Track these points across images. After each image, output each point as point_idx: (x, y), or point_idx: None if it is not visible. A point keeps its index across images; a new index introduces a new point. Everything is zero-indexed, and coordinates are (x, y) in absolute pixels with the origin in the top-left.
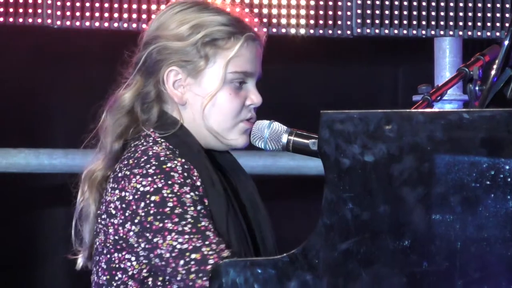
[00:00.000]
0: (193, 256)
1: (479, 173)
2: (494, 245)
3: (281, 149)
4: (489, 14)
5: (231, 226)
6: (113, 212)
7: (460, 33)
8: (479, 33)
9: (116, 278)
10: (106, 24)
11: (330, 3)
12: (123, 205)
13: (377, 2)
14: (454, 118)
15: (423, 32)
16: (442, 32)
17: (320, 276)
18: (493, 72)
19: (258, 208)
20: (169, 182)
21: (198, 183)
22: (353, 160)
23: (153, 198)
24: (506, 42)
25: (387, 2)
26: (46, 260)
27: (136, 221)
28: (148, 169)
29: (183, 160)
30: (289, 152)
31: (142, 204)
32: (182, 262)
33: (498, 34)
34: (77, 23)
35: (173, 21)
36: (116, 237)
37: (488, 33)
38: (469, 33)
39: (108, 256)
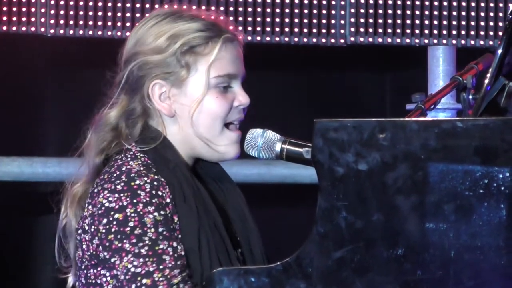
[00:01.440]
0: (144, 281)
1: (473, 181)
2: (487, 254)
3: (274, 158)
4: (482, 23)
5: (203, 242)
6: (86, 227)
7: (454, 41)
8: (472, 42)
9: None
10: (99, 33)
11: (324, 11)
12: (92, 220)
13: (371, 11)
14: (448, 126)
15: (417, 41)
16: (435, 41)
17: (314, 285)
18: (486, 81)
19: (245, 219)
20: (134, 200)
21: (168, 200)
22: (346, 169)
23: (116, 215)
24: (499, 51)
25: (380, 11)
26: (38, 268)
27: (97, 237)
28: (116, 185)
29: (156, 177)
30: (283, 161)
31: (105, 220)
32: (133, 286)
33: (491, 43)
34: (71, 32)
35: (149, 35)
36: (89, 253)
37: (482, 42)
38: (463, 41)
39: (85, 271)
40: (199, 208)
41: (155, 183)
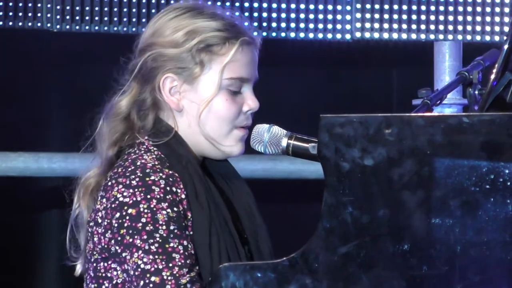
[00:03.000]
0: (152, 278)
1: (479, 177)
2: (493, 249)
3: (280, 153)
4: (488, 19)
5: (214, 239)
6: (99, 221)
7: (460, 37)
8: (478, 37)
9: (103, 287)
10: (105, 28)
11: (330, 7)
12: (105, 214)
13: (377, 7)
14: (454, 122)
15: (423, 36)
16: (441, 37)
17: (320, 280)
18: (492, 76)
19: (253, 216)
20: (148, 196)
21: (183, 196)
22: (352, 164)
23: (130, 210)
24: (506, 46)
25: (386, 7)
26: (43, 262)
27: (110, 230)
28: (131, 180)
29: (170, 172)
30: (289, 156)
31: (118, 214)
32: (142, 282)
33: (497, 38)
34: (77, 27)
35: (167, 27)
36: (100, 246)
37: (488, 38)
38: (469, 37)
39: (95, 264)
40: (211, 205)
41: (170, 179)
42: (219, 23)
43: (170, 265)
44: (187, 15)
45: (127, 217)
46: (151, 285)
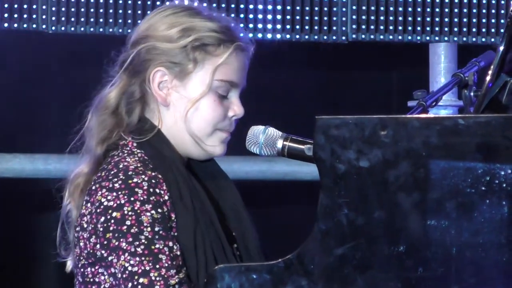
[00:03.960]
0: (141, 280)
1: (475, 178)
2: (489, 251)
3: (276, 155)
4: (484, 20)
5: (199, 240)
6: (85, 225)
7: (455, 38)
8: (474, 39)
9: None
10: (101, 29)
11: (325, 8)
12: (90, 218)
13: (372, 8)
14: (450, 123)
15: (418, 37)
16: (437, 38)
17: (315, 281)
18: (488, 78)
19: (241, 217)
20: (132, 198)
21: (166, 197)
22: (348, 166)
23: (114, 214)
24: (501, 48)
25: (382, 8)
26: (40, 264)
27: (95, 235)
28: (114, 183)
29: (153, 174)
30: (284, 158)
31: (102, 218)
32: (130, 284)
33: (493, 40)
34: (72, 28)
35: (163, 23)
36: (86, 252)
37: (483, 39)
38: (464, 38)
39: (82, 270)
40: (196, 205)
41: (153, 181)
42: (215, 25)
43: (157, 266)
44: (185, 13)
45: (112, 221)
46: (139, 287)
